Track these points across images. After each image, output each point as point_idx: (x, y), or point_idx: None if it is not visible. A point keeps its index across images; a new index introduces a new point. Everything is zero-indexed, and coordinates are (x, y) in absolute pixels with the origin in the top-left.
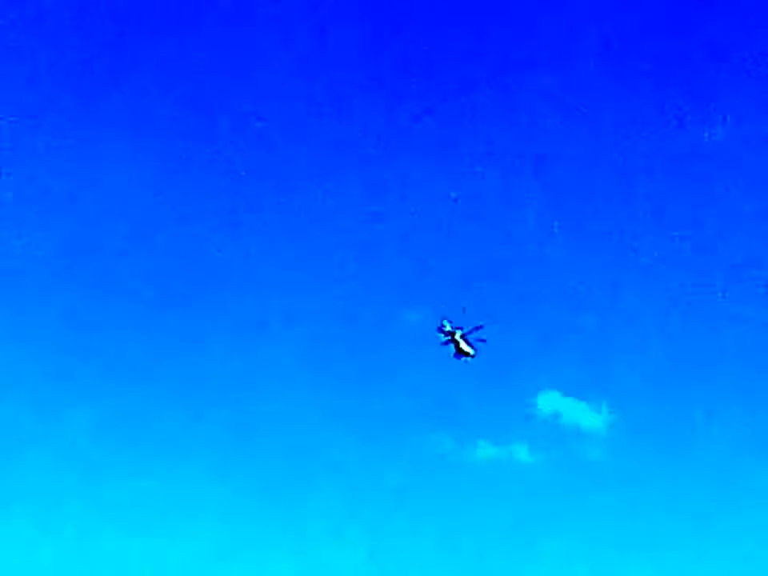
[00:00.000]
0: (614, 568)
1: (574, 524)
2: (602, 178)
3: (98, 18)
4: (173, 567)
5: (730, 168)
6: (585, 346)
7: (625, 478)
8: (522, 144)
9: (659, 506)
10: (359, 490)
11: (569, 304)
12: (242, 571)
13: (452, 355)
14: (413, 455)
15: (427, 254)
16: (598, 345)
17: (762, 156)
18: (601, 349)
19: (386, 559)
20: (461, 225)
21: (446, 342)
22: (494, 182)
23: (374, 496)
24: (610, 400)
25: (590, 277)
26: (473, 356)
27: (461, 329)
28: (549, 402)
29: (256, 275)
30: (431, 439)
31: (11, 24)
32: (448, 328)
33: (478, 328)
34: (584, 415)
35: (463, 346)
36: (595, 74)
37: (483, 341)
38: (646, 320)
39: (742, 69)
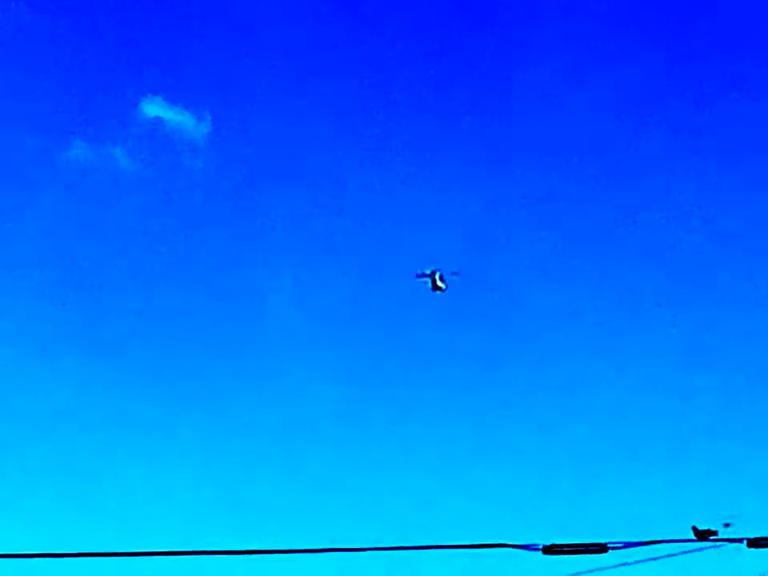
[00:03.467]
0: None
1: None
2: None
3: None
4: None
5: None
6: (189, 51)
7: (223, 189)
8: None
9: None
10: None
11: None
12: None
13: (430, 288)
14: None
15: None
16: (200, 48)
17: None
18: (200, 52)
19: None
20: None
21: (425, 280)
22: None
23: None
24: (213, 110)
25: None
26: (445, 290)
27: (438, 270)
28: (152, 107)
29: None
30: (18, 138)
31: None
32: (428, 271)
33: (454, 273)
34: (186, 123)
35: (438, 282)
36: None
37: (456, 273)
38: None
39: None
